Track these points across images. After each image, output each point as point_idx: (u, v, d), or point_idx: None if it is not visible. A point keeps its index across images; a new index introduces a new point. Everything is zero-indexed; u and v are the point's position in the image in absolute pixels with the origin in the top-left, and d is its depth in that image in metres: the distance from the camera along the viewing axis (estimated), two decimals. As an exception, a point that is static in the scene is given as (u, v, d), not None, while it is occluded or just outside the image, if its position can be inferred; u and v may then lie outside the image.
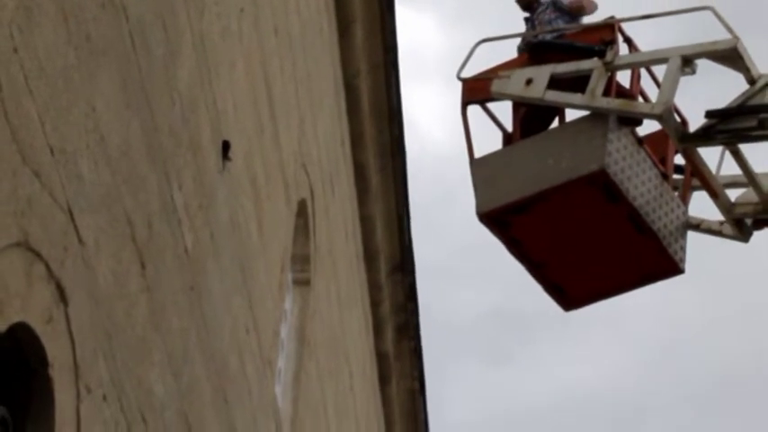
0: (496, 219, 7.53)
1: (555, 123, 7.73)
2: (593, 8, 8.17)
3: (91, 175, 4.40)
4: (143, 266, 5.09)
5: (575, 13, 8.08)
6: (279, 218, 8.31)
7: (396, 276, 13.66)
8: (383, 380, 14.31)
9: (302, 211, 9.41)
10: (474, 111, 7.87)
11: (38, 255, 3.92)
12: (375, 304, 13.55)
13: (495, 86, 7.63)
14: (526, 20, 8.32)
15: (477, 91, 7.80)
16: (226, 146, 6.62)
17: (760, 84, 7.12)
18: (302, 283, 9.70)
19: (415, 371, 14.77)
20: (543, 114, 7.71)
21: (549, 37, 7.93)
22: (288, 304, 9.22)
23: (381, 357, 14.09)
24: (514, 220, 7.50)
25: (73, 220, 4.22)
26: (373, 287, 13.38)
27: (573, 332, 39.82)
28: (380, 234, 13.09)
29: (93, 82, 4.45)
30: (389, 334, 14.10)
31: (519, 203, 7.40)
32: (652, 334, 39.22)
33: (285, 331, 9.08)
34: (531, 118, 7.70)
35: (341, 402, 11.47)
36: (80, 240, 4.29)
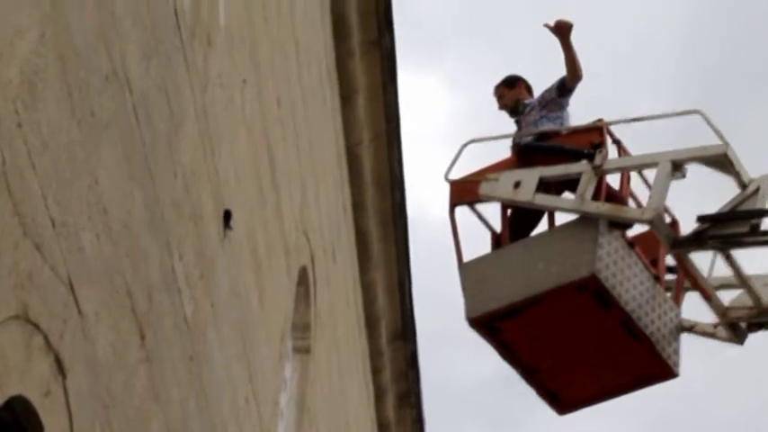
0: (486, 324, 7.47)
1: (543, 223, 7.69)
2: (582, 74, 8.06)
3: (92, 248, 4.43)
4: (142, 337, 5.09)
5: (571, 84, 7.98)
6: (280, 287, 8.32)
7: (397, 344, 13.64)
8: (384, 448, 14.24)
9: (303, 279, 9.42)
10: (462, 209, 7.88)
11: (37, 327, 3.93)
12: (376, 372, 13.52)
13: (484, 189, 7.62)
14: (516, 121, 8.33)
15: (465, 192, 7.77)
16: (227, 215, 6.65)
17: (751, 188, 7.04)
18: (302, 350, 9.69)
19: (415, 439, 14.70)
20: (532, 215, 7.68)
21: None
22: (288, 372, 9.20)
23: (382, 426, 14.03)
24: (504, 325, 7.42)
25: (73, 292, 4.23)
26: (374, 354, 13.36)
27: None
28: (382, 301, 13.09)
29: (96, 155, 4.49)
30: (390, 402, 14.05)
31: (509, 309, 7.32)
32: (658, 393, 38.89)
33: (285, 400, 9.06)
34: (520, 219, 7.68)
35: (340, 471, 11.40)
36: (80, 312, 4.30)
